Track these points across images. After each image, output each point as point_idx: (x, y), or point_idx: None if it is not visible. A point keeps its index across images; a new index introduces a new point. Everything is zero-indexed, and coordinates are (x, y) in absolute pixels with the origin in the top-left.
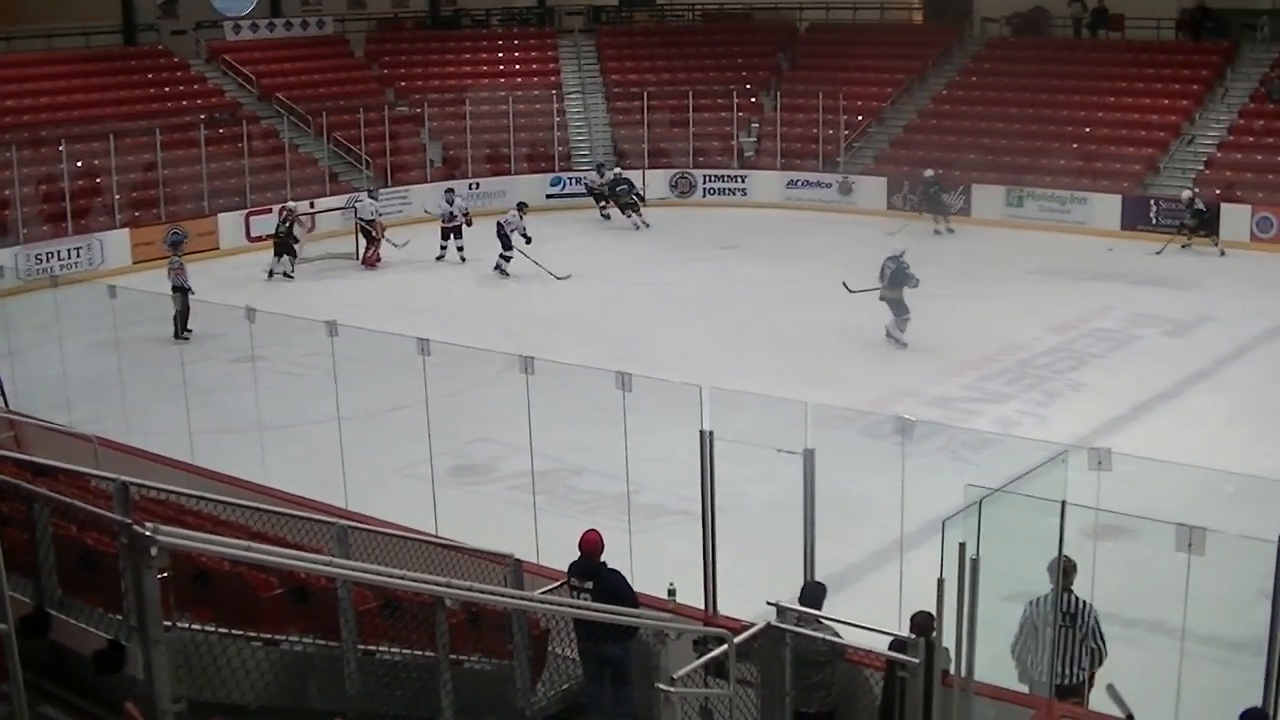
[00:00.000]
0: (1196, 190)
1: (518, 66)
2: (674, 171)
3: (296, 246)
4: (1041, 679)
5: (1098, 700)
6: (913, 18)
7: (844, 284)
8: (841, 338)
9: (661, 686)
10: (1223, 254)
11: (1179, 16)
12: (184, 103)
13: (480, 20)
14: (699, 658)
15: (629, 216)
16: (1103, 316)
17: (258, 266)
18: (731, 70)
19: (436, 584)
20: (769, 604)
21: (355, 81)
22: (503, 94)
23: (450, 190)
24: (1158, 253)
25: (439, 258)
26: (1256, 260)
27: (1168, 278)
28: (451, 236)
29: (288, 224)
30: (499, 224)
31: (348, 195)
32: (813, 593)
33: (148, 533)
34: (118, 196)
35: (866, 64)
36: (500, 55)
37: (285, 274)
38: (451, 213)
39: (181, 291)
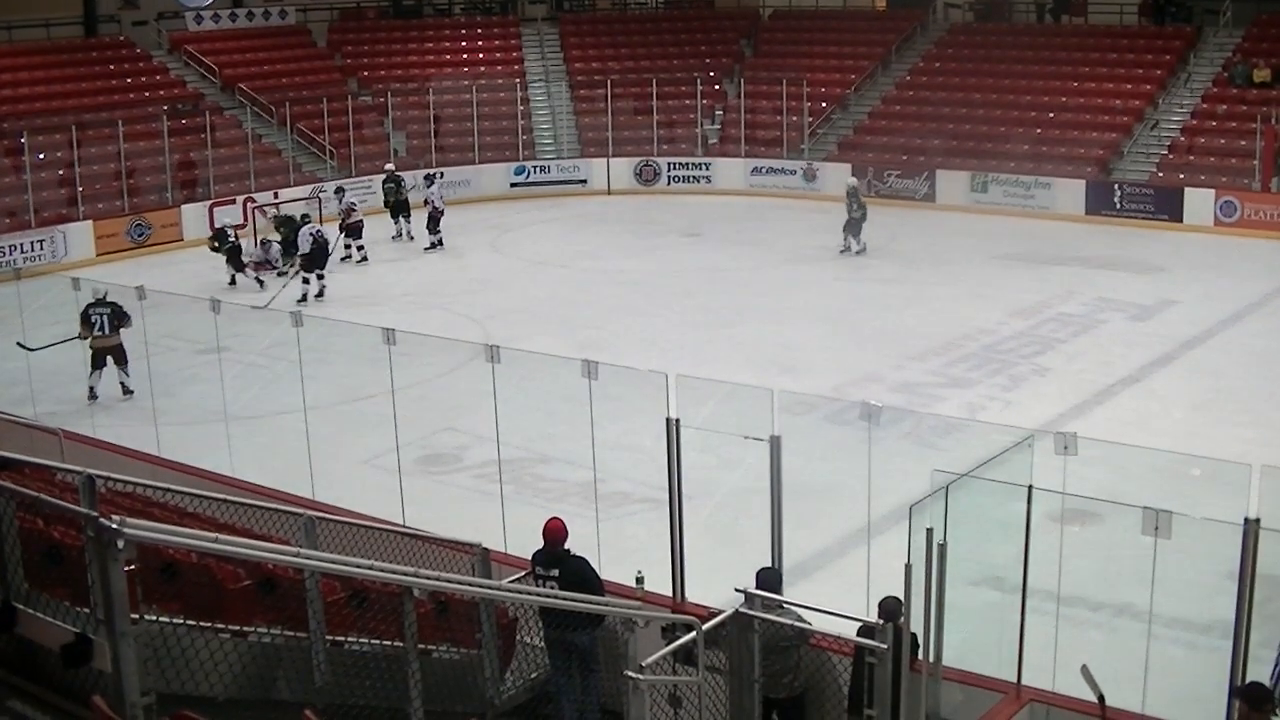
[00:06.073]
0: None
1: (481, 55)
2: (638, 159)
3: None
4: None
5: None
6: (875, 4)
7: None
8: (805, 324)
9: (630, 674)
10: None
11: (1142, 1)
12: (146, 94)
13: (443, 9)
14: (667, 645)
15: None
16: (1067, 301)
17: (220, 259)
18: (695, 58)
19: (404, 574)
20: (737, 590)
21: (318, 71)
22: (466, 83)
23: (341, 189)
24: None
25: (343, 258)
26: (1218, 244)
27: (1130, 262)
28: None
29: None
30: None
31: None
32: (770, 578)
33: (114, 525)
34: (80, 189)
35: (829, 50)
36: (463, 44)
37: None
38: (352, 205)
39: None
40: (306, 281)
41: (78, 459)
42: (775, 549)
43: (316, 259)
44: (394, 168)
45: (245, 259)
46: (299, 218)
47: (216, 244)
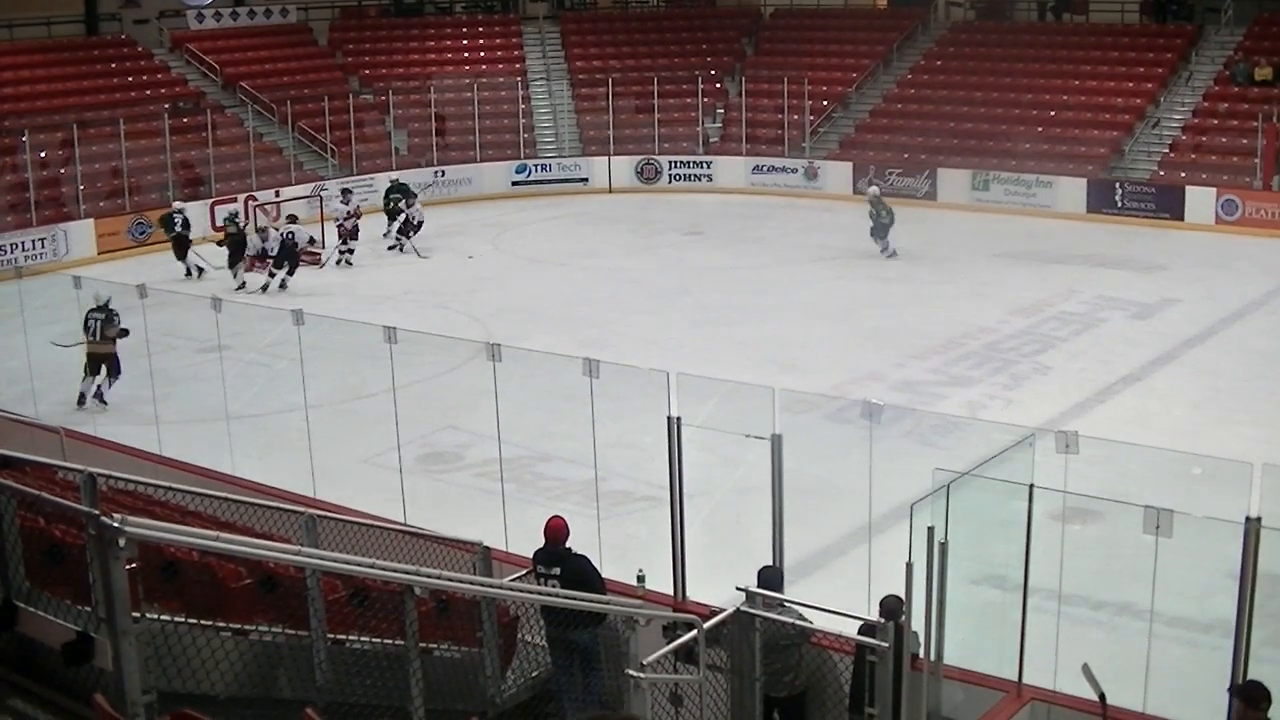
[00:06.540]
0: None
1: (482, 54)
2: (640, 158)
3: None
4: None
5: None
6: (877, 2)
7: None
8: (806, 322)
9: (631, 673)
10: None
11: (1143, 0)
12: (147, 92)
13: (444, 7)
14: (669, 644)
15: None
16: (1068, 300)
17: (222, 257)
18: (696, 56)
19: (405, 572)
20: (738, 589)
21: (319, 70)
22: (467, 81)
23: (347, 190)
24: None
25: (338, 261)
26: (1220, 242)
27: (1131, 261)
28: (346, 239)
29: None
30: None
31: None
32: (771, 577)
33: (115, 524)
34: (82, 187)
35: (831, 49)
36: (464, 42)
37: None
38: (348, 212)
39: None
40: (272, 275)
41: (79, 457)
42: (776, 547)
43: (284, 258)
44: (398, 178)
45: (250, 251)
46: (285, 218)
47: (163, 228)
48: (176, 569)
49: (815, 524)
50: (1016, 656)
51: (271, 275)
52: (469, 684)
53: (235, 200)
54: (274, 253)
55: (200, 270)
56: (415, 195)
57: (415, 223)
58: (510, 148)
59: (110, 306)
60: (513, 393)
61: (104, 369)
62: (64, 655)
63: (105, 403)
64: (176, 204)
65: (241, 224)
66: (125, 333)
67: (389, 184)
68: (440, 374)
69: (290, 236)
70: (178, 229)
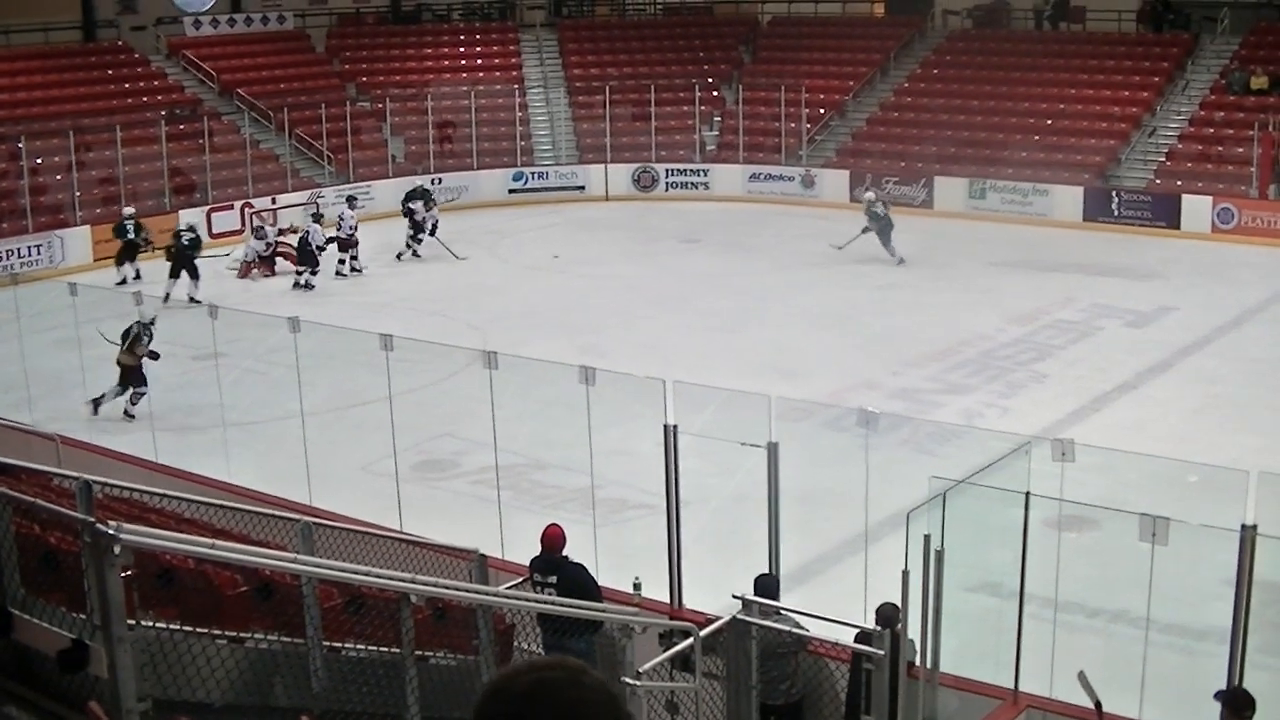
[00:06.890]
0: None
1: (479, 61)
2: (636, 166)
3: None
4: None
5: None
6: (874, 10)
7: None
8: (803, 330)
9: (628, 680)
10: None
11: (1140, 8)
12: (144, 99)
13: (441, 15)
14: (665, 651)
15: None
16: (1064, 308)
17: (221, 264)
18: (693, 64)
19: (401, 580)
20: (734, 597)
21: (316, 77)
22: (464, 89)
23: (352, 198)
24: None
25: (349, 271)
26: (1216, 251)
27: (1128, 269)
28: (350, 249)
29: (185, 239)
30: None
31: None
32: (767, 585)
33: (111, 531)
34: (78, 194)
35: (828, 57)
36: (462, 50)
37: (191, 297)
38: (355, 220)
39: None
40: (299, 273)
41: (75, 464)
42: (773, 555)
43: (305, 259)
44: (422, 184)
45: (246, 256)
46: (310, 216)
47: (115, 235)
48: (172, 576)
49: (811, 532)
50: (1012, 664)
51: (299, 274)
52: (465, 692)
53: (231, 207)
54: (266, 254)
55: (139, 275)
56: (436, 202)
57: (428, 227)
58: (507, 155)
59: (152, 327)
60: (509, 400)
61: (129, 383)
62: (59, 662)
63: (133, 417)
64: (128, 209)
65: (187, 239)
66: (154, 355)
67: (411, 189)
68: (437, 381)
69: (307, 235)
70: (129, 235)
